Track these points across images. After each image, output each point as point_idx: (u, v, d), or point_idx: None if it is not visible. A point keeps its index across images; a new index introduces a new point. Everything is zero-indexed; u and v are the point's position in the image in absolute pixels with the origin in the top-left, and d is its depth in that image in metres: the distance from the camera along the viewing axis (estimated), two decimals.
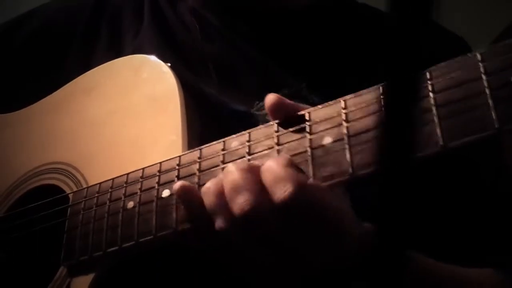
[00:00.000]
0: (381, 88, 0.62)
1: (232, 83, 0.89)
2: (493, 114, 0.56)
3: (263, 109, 0.86)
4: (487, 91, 0.56)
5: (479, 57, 0.58)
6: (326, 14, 0.93)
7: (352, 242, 0.62)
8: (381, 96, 0.62)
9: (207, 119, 0.84)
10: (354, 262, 0.62)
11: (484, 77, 0.57)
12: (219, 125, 0.86)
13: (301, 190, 0.60)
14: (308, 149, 0.64)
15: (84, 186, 0.82)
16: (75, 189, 0.83)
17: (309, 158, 0.64)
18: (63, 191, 0.84)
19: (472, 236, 0.79)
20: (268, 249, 0.62)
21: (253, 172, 0.63)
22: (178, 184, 0.68)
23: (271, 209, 0.60)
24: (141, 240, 0.72)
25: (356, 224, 0.63)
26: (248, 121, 0.84)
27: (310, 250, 0.62)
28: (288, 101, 0.69)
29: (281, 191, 0.60)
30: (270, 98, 0.69)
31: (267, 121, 0.86)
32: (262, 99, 0.86)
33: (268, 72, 0.89)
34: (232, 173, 0.63)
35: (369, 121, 0.62)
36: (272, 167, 0.62)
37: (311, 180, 0.62)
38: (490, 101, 0.56)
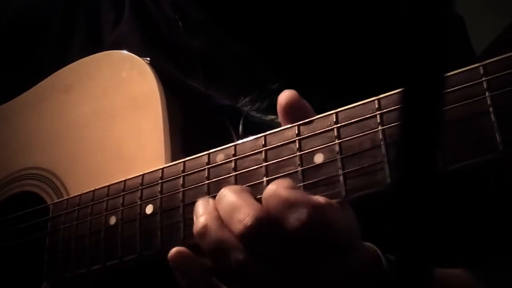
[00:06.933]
0: (376, 102, 0.58)
1: (217, 77, 0.84)
2: (498, 137, 0.51)
3: (248, 105, 0.82)
4: (491, 109, 0.52)
5: (481, 70, 0.53)
6: (314, 7, 0.86)
7: (356, 261, 0.58)
8: (377, 112, 0.57)
9: (192, 113, 0.79)
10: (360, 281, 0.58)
11: (487, 93, 0.52)
12: (204, 120, 0.81)
13: (317, 214, 0.53)
14: (299, 168, 0.60)
15: (64, 194, 0.78)
16: (55, 197, 0.79)
17: (300, 177, 0.59)
18: (43, 199, 0.80)
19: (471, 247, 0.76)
20: (273, 270, 0.56)
21: (250, 194, 0.58)
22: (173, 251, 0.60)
23: (280, 234, 0.54)
24: (125, 259, 0.68)
25: (361, 243, 0.59)
26: (233, 116, 0.80)
27: (318, 271, 0.57)
28: (303, 100, 0.61)
29: (294, 217, 0.53)
30: (286, 95, 0.61)
31: (253, 117, 0.82)
32: (247, 94, 0.82)
33: (253, 67, 0.84)
34: (228, 195, 0.58)
35: (363, 139, 0.57)
36: (278, 191, 0.55)
37: (322, 199, 0.55)
38: (494, 122, 0.51)
